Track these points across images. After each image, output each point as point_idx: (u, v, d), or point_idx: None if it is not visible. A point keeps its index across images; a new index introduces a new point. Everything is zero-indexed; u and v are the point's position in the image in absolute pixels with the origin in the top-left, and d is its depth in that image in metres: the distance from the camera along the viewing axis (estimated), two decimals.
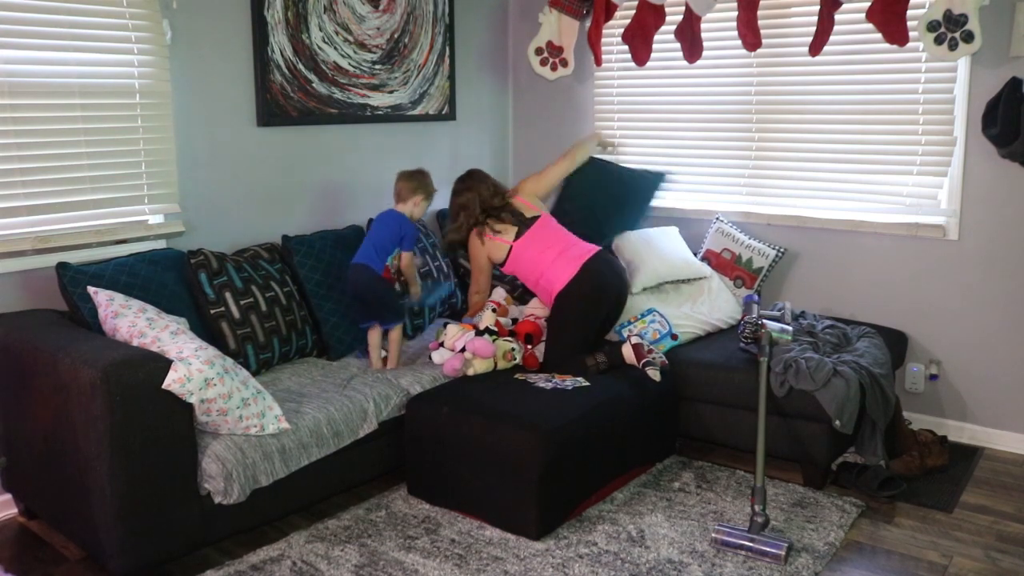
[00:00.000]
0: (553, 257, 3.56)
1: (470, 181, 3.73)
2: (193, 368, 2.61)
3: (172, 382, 2.57)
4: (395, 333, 3.54)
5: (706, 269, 4.12)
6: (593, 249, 3.62)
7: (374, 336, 3.55)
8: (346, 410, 3.08)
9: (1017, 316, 3.67)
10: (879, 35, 3.60)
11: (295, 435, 2.89)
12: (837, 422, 3.17)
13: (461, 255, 4.17)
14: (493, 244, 3.65)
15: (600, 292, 3.52)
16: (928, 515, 3.17)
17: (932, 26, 3.41)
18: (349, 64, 4.08)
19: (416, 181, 3.58)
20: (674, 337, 3.71)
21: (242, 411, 2.75)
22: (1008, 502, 3.28)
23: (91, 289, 2.91)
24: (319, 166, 4.04)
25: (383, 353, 3.57)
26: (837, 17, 3.72)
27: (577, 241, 3.67)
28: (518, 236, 3.62)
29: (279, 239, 3.67)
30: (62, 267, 2.98)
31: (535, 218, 3.67)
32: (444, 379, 3.44)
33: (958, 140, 3.69)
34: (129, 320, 2.79)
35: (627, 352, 3.45)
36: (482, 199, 3.66)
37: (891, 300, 3.94)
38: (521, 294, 4.05)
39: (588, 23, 4.37)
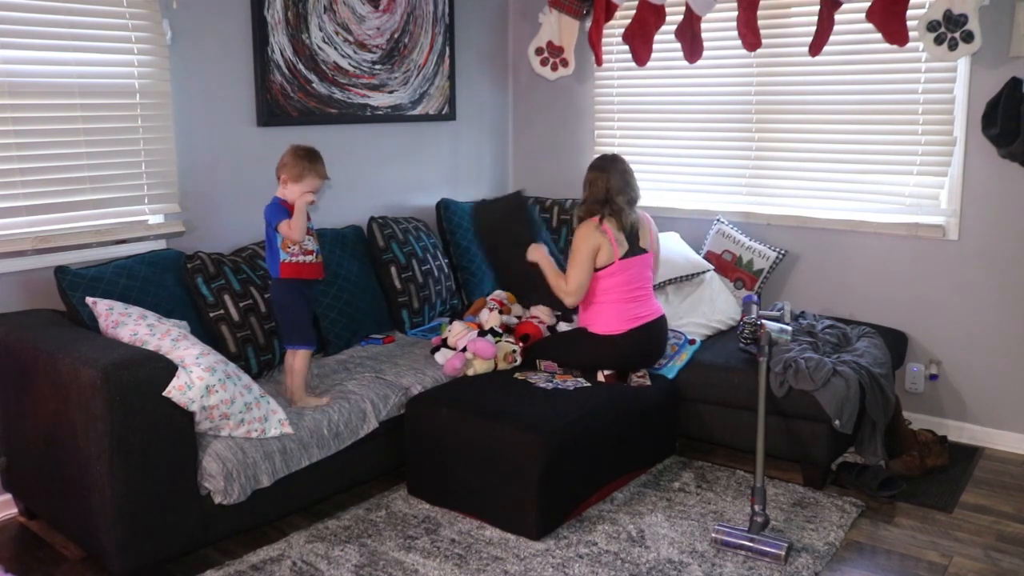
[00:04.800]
0: (623, 298, 3.40)
1: (606, 163, 3.43)
2: (194, 376, 2.60)
3: (173, 390, 2.56)
4: (297, 360, 3.09)
5: (706, 264, 4.11)
6: (652, 315, 3.46)
7: (291, 359, 3.10)
8: (344, 411, 3.08)
9: (1017, 316, 3.67)
10: (879, 35, 3.60)
11: (296, 435, 2.89)
12: (837, 422, 3.17)
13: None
14: (608, 242, 3.34)
15: (624, 359, 3.46)
16: (928, 515, 3.17)
17: (932, 26, 3.41)
18: (349, 64, 4.08)
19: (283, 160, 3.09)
20: (692, 342, 3.70)
21: (244, 415, 2.75)
22: (1008, 502, 3.27)
23: (89, 300, 2.90)
24: None
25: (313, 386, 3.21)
26: (837, 17, 3.72)
27: (650, 297, 3.50)
28: (624, 256, 3.38)
29: None
30: (60, 271, 2.97)
31: (643, 251, 3.45)
32: (445, 379, 3.43)
33: (958, 140, 3.69)
34: (130, 329, 2.78)
35: (633, 379, 3.45)
36: (609, 187, 3.36)
37: (891, 300, 3.94)
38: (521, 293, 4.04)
39: (588, 23, 4.37)
